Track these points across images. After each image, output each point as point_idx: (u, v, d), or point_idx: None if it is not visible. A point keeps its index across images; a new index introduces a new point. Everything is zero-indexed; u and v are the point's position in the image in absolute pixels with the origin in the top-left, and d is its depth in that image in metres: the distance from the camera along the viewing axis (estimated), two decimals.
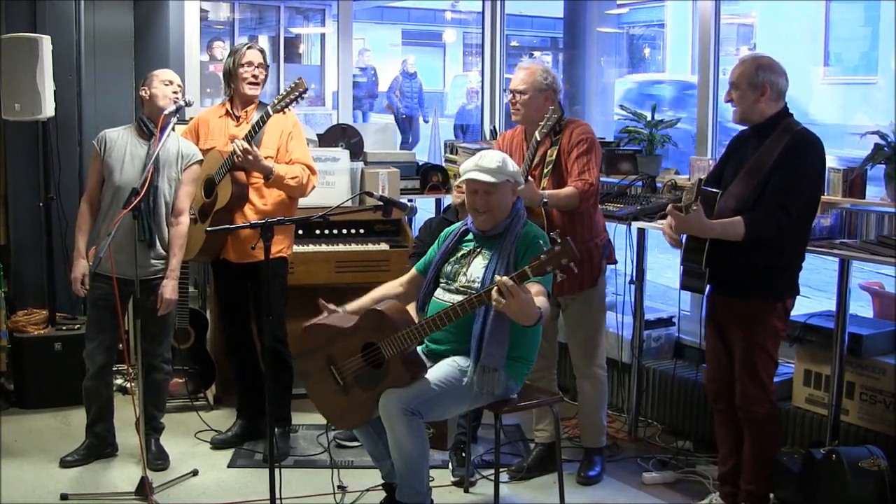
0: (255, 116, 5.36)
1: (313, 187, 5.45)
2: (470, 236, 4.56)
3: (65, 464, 5.35)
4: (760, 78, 4.36)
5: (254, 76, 5.41)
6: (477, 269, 4.40)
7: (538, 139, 4.97)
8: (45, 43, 6.12)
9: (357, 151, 6.76)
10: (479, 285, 4.30)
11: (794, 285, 4.45)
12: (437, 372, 4.28)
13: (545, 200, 4.83)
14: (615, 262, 5.41)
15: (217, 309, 6.05)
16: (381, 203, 4.49)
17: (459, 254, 4.53)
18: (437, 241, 4.71)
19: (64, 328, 6.43)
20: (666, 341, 6.06)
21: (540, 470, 5.25)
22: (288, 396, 5.65)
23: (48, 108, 6.15)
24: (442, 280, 4.53)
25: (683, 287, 4.60)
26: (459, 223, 4.69)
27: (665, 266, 5.40)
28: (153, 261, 5.21)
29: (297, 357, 4.68)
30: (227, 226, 5.14)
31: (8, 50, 6.10)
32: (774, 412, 4.54)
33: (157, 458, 5.37)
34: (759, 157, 4.33)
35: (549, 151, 5.03)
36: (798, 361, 5.16)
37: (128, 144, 5.24)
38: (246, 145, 5.15)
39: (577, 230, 4.96)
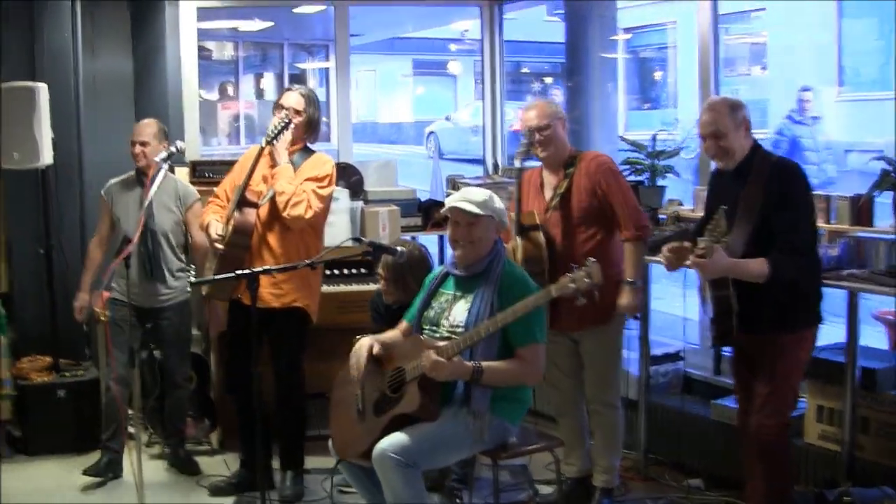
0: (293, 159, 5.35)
1: (304, 217, 5.23)
2: (450, 280, 4.50)
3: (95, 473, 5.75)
4: (740, 116, 4.34)
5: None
6: (460, 312, 4.35)
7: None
8: (43, 91, 6.10)
9: (358, 190, 6.68)
10: (464, 329, 4.27)
11: (816, 314, 4.38)
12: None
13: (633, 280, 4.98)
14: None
15: (223, 349, 5.99)
16: (370, 249, 4.43)
17: (442, 298, 4.48)
18: (421, 288, 4.66)
19: (68, 375, 6.40)
20: (674, 376, 5.95)
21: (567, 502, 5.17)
22: (302, 441, 5.59)
23: (46, 156, 6.13)
24: (425, 326, 4.47)
25: (715, 343, 4.51)
26: (440, 267, 4.67)
27: (677, 295, 5.32)
28: (163, 290, 5.82)
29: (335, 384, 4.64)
30: (211, 277, 5.14)
31: (5, 99, 6.09)
32: (787, 445, 4.47)
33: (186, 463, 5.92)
34: (747, 197, 4.25)
35: (560, 183, 5.03)
36: (810, 397, 5.04)
37: (131, 192, 5.81)
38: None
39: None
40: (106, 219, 5.94)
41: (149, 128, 5.81)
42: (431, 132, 22.32)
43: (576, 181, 5.00)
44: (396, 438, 4.09)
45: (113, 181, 5.94)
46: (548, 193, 5.10)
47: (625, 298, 4.98)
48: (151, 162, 5.65)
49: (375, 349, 4.40)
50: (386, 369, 4.35)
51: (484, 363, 4.15)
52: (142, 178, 5.78)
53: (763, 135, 9.82)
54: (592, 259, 3.99)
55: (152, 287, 5.78)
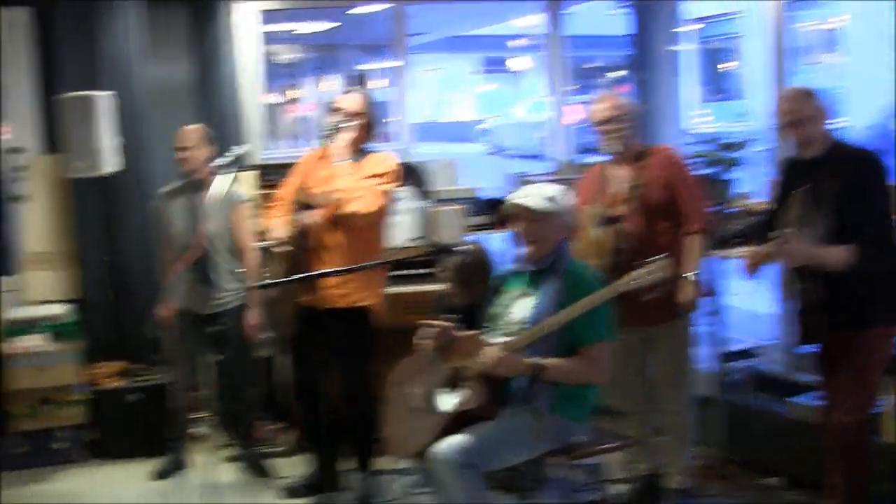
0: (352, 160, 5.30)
1: (361, 213, 5.19)
2: (516, 278, 4.43)
3: (160, 475, 5.97)
4: (819, 104, 4.28)
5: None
6: (524, 310, 4.27)
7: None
8: (104, 100, 6.15)
9: (422, 190, 6.64)
10: (526, 326, 4.18)
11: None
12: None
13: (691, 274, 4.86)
14: (708, 295, 5.23)
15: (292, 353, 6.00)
16: (434, 249, 4.39)
17: (506, 296, 4.41)
18: (487, 288, 4.61)
19: (138, 380, 6.48)
20: (748, 373, 5.82)
21: (639, 502, 5.13)
22: (372, 442, 5.52)
23: (109, 165, 6.17)
24: (488, 324, 4.40)
25: (802, 342, 4.46)
26: (507, 265, 4.58)
27: (750, 290, 5.23)
28: (218, 295, 5.82)
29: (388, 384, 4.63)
30: (274, 280, 5.16)
31: (68, 109, 6.14)
32: (868, 442, 4.37)
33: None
34: (824, 187, 4.17)
35: (633, 177, 4.99)
36: (889, 394, 4.89)
37: (179, 199, 5.90)
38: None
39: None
40: (162, 229, 6.02)
41: (191, 133, 5.86)
42: (487, 129, 22.27)
43: (648, 175, 4.95)
44: (454, 439, 4.03)
45: (162, 190, 6.03)
46: (619, 187, 5.03)
47: (684, 293, 4.88)
48: (196, 166, 5.78)
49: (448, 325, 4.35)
50: (444, 366, 4.29)
51: (545, 360, 4.08)
52: (189, 183, 5.85)
53: (841, 124, 9.61)
54: (664, 254, 3.93)
55: (207, 292, 5.81)
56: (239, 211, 5.86)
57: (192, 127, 5.94)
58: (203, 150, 5.83)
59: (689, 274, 4.87)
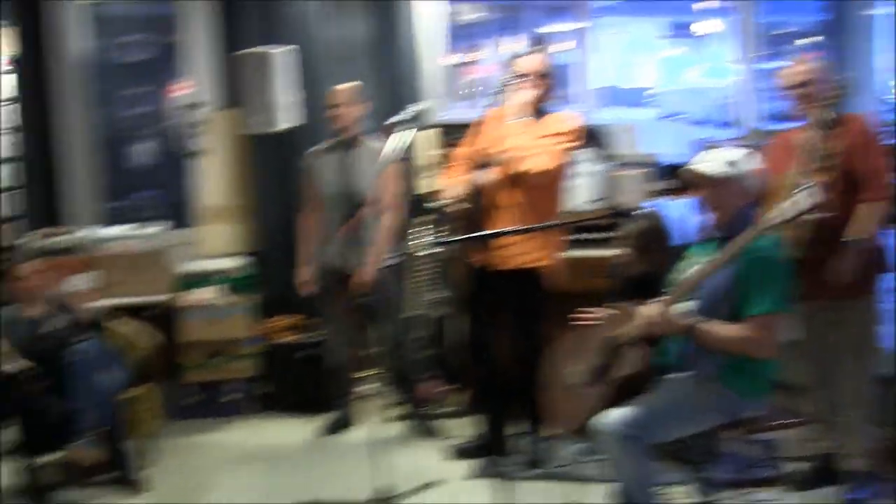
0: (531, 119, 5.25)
1: (536, 171, 5.14)
2: (698, 246, 4.28)
3: (327, 431, 6.07)
4: None
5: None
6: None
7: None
8: (282, 56, 6.23)
9: (603, 153, 6.52)
10: (699, 293, 4.03)
11: None
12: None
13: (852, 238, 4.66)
14: (889, 271, 4.98)
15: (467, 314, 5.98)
16: (612, 212, 4.30)
17: (687, 263, 4.25)
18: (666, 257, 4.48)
19: (311, 335, 6.60)
20: None
21: (815, 482, 5.00)
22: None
23: (286, 120, 6.26)
24: (666, 291, 4.24)
25: None
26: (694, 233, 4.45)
27: None
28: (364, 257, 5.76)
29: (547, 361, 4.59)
30: (450, 239, 5.18)
31: (246, 65, 6.26)
32: None
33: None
34: None
35: (826, 145, 4.76)
36: None
37: (330, 157, 5.92)
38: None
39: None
40: (310, 187, 6.03)
41: (344, 91, 5.88)
42: (657, 94, 21.96)
43: (843, 143, 4.73)
44: (618, 411, 3.97)
45: (313, 149, 6.05)
46: (811, 155, 4.81)
47: (841, 260, 4.66)
48: (347, 124, 5.82)
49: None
50: (604, 338, 4.21)
51: (703, 324, 3.93)
52: (340, 142, 5.89)
53: None
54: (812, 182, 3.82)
55: (357, 252, 5.77)
56: (392, 169, 5.74)
57: (344, 85, 5.94)
58: (355, 109, 5.86)
59: (849, 238, 4.64)
